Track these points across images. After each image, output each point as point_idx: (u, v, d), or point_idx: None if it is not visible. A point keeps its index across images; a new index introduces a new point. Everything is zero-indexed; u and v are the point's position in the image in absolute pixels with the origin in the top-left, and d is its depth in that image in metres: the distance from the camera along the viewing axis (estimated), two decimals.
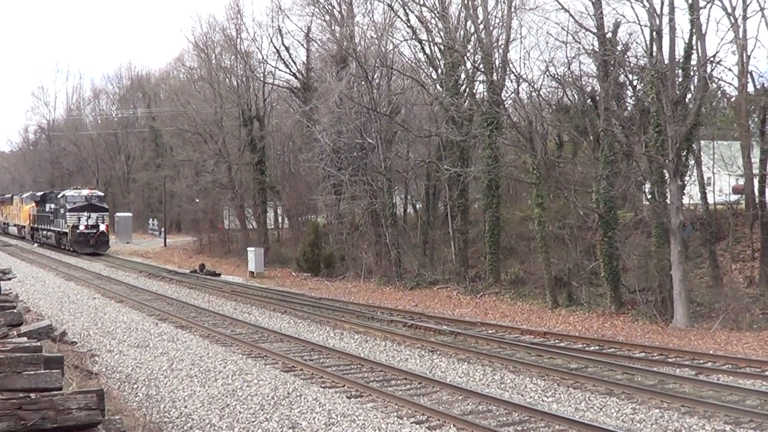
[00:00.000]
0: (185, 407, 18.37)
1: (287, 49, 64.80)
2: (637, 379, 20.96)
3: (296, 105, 62.24)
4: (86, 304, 36.61)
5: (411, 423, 16.83)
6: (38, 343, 11.70)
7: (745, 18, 36.08)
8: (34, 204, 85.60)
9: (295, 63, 65.30)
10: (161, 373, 22.16)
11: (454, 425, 16.63)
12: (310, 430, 16.33)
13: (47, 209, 79.60)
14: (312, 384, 20.80)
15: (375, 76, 47.46)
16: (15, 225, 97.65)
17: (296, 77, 64.84)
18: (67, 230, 71.58)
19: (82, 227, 70.57)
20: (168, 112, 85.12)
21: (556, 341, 27.27)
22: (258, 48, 68.09)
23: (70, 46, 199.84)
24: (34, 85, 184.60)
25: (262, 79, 67.81)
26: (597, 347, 26.01)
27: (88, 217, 70.89)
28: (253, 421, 17.02)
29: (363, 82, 46.60)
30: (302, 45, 64.98)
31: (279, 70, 67.04)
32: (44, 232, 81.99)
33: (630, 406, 17.98)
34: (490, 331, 29.67)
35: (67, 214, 70.95)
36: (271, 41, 65.94)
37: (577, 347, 26.10)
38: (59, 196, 75.21)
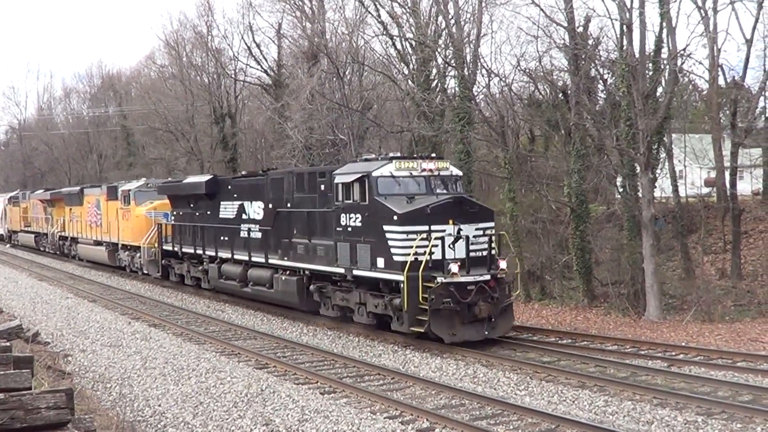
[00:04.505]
0: (159, 406, 18.34)
1: (258, 45, 64.64)
2: (610, 372, 21.07)
3: (268, 102, 62.00)
4: (59, 304, 36.41)
5: (384, 418, 16.85)
6: (8, 344, 11.68)
7: (715, 11, 36.46)
8: (161, 202, 44.68)
9: (266, 60, 65.14)
10: (134, 372, 22.10)
11: (427, 419, 16.69)
12: (283, 426, 16.33)
13: (244, 215, 34.29)
14: (285, 381, 20.82)
15: (346, 72, 47.37)
16: (95, 241, 53.39)
17: (267, 74, 64.66)
18: (398, 276, 24.27)
19: (454, 268, 24.06)
20: (139, 111, 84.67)
21: (529, 335, 27.34)
22: (229, 45, 67.72)
23: (41, 46, 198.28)
24: (4, 84, 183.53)
25: (233, 76, 67.61)
26: (570, 340, 26.09)
27: (458, 237, 24.73)
28: (227, 419, 17.00)
29: (334, 79, 46.47)
30: (273, 42, 64.82)
31: (250, 67, 66.83)
32: (237, 270, 34.72)
33: (602, 399, 18.07)
34: None
35: (390, 233, 24.78)
36: (242, 38, 65.70)
37: (549, 341, 26.18)
38: (357, 180, 26.33)
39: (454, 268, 23.86)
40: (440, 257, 24.30)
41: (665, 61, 33.58)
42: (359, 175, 26.03)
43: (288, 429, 16.18)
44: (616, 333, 27.33)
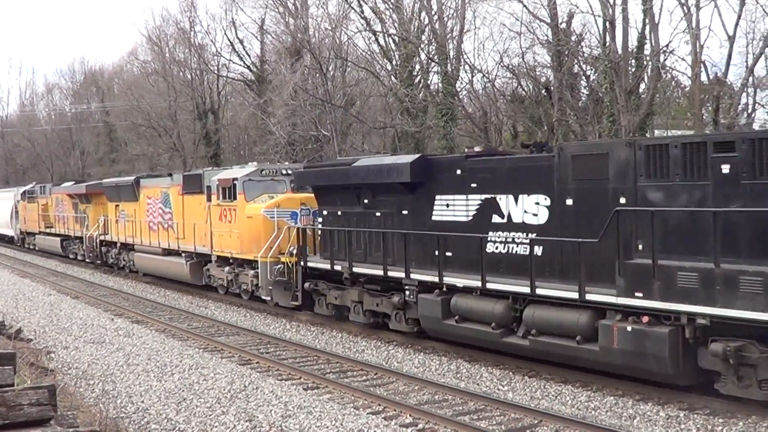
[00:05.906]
0: (142, 402, 18.28)
1: (241, 41, 64.83)
2: (593, 368, 21.08)
3: (251, 98, 62.07)
4: (42, 301, 36.25)
5: (367, 413, 16.84)
6: None
7: (698, 8, 36.48)
8: (285, 197, 31.02)
9: (249, 55, 65.35)
10: (118, 368, 22.01)
11: (410, 415, 16.67)
12: (266, 422, 16.30)
13: (497, 217, 20.58)
14: (268, 377, 20.76)
15: (329, 68, 47.44)
16: (165, 250, 39.16)
17: (250, 70, 64.78)
18: None
19: None
20: (122, 107, 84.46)
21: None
22: (212, 41, 67.83)
23: (23, 41, 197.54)
24: None
25: (216, 72, 67.67)
26: None
27: None
28: (210, 415, 16.96)
29: (317, 74, 46.53)
30: (256, 37, 64.98)
31: (233, 62, 67.04)
32: (493, 308, 20.29)
33: (585, 394, 18.08)
34: None
35: None
36: (225, 34, 65.86)
37: None
38: None
39: None
40: None
41: (648, 58, 33.75)
42: None
43: (271, 425, 16.16)
44: None
